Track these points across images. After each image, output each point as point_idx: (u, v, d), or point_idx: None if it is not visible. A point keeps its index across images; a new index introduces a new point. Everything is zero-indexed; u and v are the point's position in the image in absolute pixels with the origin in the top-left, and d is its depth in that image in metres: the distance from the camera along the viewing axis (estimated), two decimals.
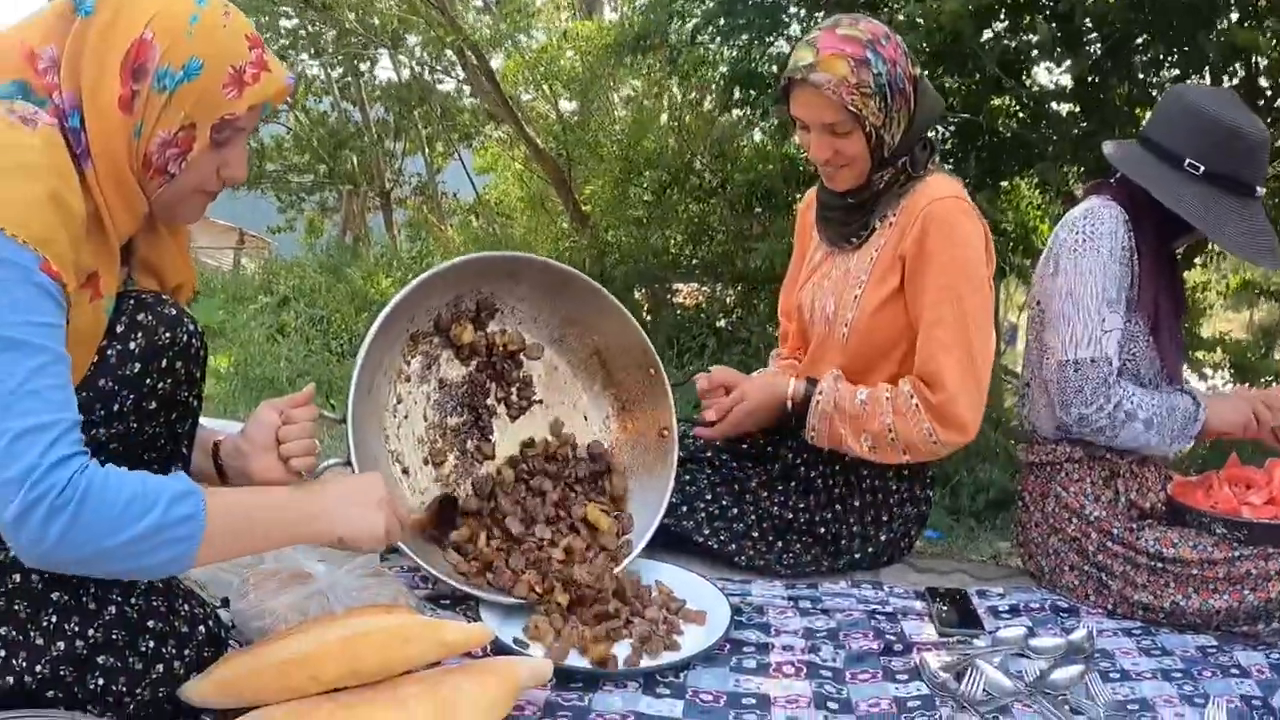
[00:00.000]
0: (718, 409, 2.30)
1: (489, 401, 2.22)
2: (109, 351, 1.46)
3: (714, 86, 7.77)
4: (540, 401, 2.25)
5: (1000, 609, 2.16)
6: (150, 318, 1.51)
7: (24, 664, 1.37)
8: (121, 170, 1.41)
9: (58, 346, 1.31)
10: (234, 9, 1.49)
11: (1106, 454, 2.19)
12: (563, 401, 2.29)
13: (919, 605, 2.14)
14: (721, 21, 5.86)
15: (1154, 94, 5.21)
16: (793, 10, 5.80)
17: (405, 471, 2.12)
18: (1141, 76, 5.06)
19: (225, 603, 1.79)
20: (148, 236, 1.58)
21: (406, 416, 2.14)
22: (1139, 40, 4.82)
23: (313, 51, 13.47)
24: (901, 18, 4.66)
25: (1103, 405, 2.10)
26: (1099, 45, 4.89)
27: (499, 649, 1.76)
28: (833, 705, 1.72)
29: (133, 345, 1.49)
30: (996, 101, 5.36)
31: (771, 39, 6.07)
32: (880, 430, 2.14)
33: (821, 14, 5.35)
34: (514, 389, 2.23)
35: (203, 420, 1.74)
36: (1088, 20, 4.67)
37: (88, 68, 1.38)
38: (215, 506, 1.37)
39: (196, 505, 1.34)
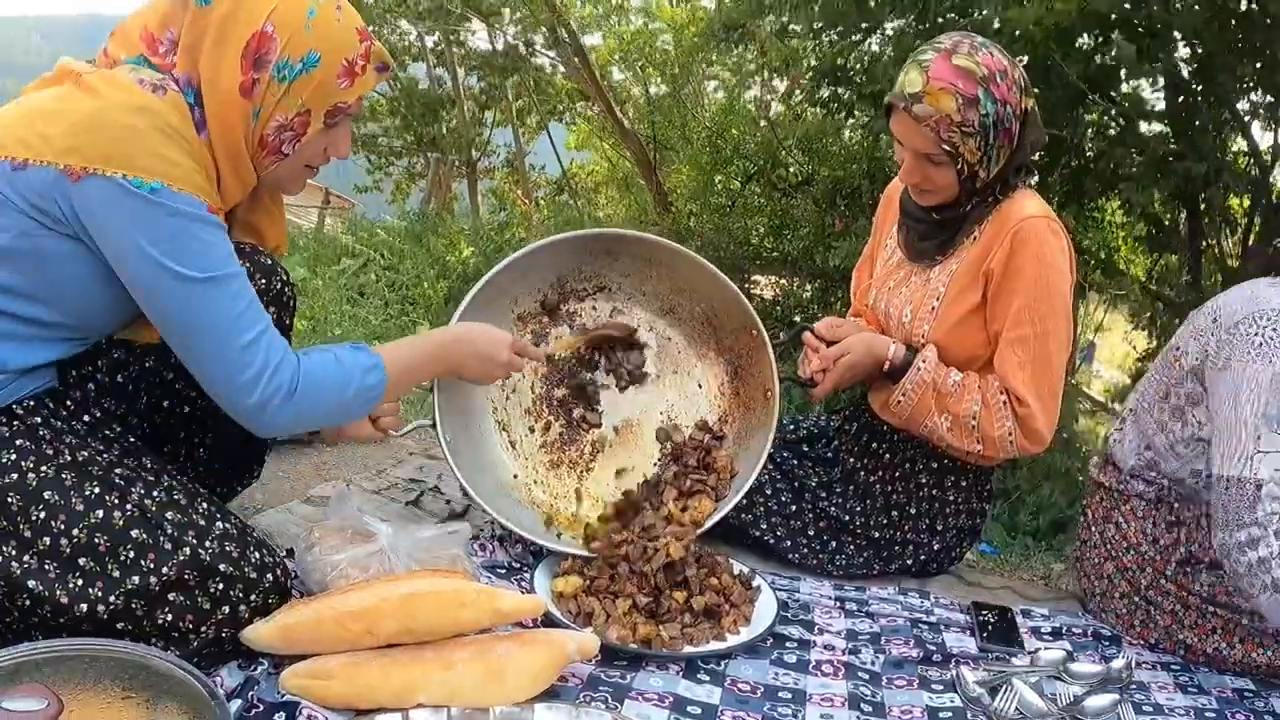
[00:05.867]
0: (821, 359, 2.26)
1: (596, 375, 2.30)
2: None
3: (803, 80, 7.71)
4: (648, 374, 2.32)
5: (1043, 630, 2.17)
6: (248, 265, 1.68)
7: (99, 594, 1.46)
8: (237, 148, 1.54)
9: (239, 267, 1.54)
10: (344, 1, 1.57)
11: (1175, 502, 2.11)
12: (676, 370, 2.34)
13: (962, 618, 2.17)
14: (814, 9, 5.74)
15: (1247, 118, 5.09)
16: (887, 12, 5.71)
17: (512, 444, 2.23)
18: (1230, 100, 4.93)
19: (290, 553, 1.88)
20: (250, 202, 1.72)
21: (514, 390, 2.25)
22: (1226, 57, 4.68)
23: (410, 16, 13.54)
24: (979, 16, 4.56)
25: (1242, 541, 1.79)
26: (1188, 64, 4.77)
27: (549, 621, 1.82)
28: (866, 708, 1.75)
29: None
30: (1086, 116, 5.26)
31: (860, 38, 6.00)
32: (965, 415, 2.14)
33: (912, 17, 5.27)
34: (624, 360, 2.30)
35: None
36: (1176, 35, 4.54)
37: (206, 55, 1.49)
38: (390, 367, 1.74)
39: (381, 375, 1.72)
